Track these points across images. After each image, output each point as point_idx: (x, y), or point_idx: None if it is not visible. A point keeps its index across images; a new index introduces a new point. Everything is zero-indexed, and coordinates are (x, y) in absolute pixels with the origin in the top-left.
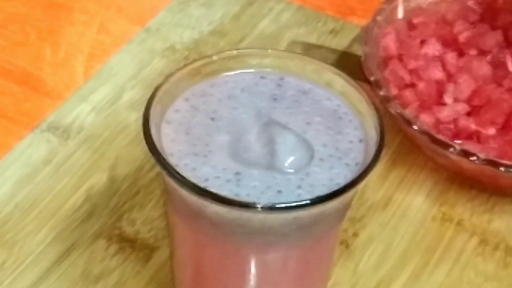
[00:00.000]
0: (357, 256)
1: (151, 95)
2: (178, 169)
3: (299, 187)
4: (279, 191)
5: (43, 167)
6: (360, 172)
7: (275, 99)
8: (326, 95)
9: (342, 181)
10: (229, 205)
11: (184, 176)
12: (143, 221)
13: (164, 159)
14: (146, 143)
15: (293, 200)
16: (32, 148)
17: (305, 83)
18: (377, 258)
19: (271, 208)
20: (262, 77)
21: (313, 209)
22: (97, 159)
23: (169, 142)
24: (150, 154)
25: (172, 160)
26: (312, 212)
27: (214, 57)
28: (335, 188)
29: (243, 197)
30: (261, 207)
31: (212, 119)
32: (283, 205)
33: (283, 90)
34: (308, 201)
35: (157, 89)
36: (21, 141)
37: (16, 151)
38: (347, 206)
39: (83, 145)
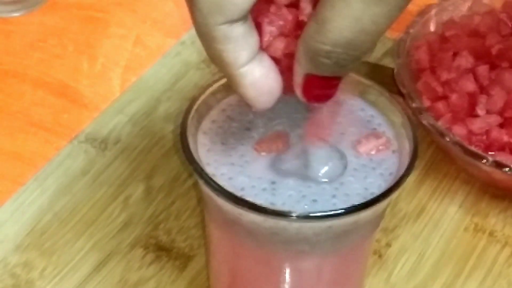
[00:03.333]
0: (390, 266)
1: (188, 106)
2: (215, 179)
3: (333, 196)
4: (314, 200)
5: (81, 178)
6: (394, 182)
7: (309, 110)
8: (360, 105)
9: (376, 191)
10: (265, 213)
11: (221, 185)
12: (179, 230)
13: (201, 168)
14: (184, 152)
15: (328, 209)
16: (70, 158)
17: (339, 93)
18: (410, 268)
19: (306, 217)
20: None
21: (348, 218)
22: (134, 170)
23: (206, 152)
24: (187, 164)
25: (209, 170)
26: (346, 221)
27: None
28: (370, 197)
29: (279, 206)
30: (296, 216)
31: (248, 129)
32: (318, 214)
33: None
34: (343, 210)
35: (194, 100)
36: (59, 151)
37: (54, 162)
38: (380, 215)
39: (120, 156)
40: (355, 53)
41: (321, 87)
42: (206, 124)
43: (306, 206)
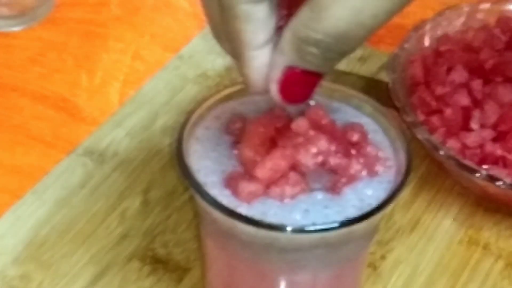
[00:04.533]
0: (385, 278)
1: (184, 121)
2: (206, 187)
3: (325, 207)
4: (306, 210)
5: (79, 190)
6: (388, 195)
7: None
8: (356, 114)
9: (373, 202)
10: (258, 226)
11: (216, 198)
12: (176, 243)
13: (196, 182)
14: (179, 166)
15: (321, 222)
16: (69, 171)
17: (334, 102)
18: (404, 280)
19: (300, 231)
20: None
21: (341, 231)
22: (131, 183)
23: (197, 158)
24: (183, 178)
25: (199, 177)
26: (340, 233)
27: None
28: (366, 209)
29: (270, 215)
30: (291, 230)
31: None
32: (312, 228)
33: None
34: (337, 224)
35: (190, 114)
36: (57, 164)
37: (53, 175)
38: (375, 228)
39: (118, 169)
40: (345, 47)
41: (301, 84)
42: (199, 130)
43: (297, 217)
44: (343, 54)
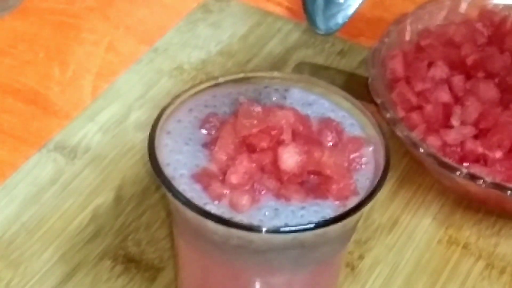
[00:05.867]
0: (363, 278)
1: (156, 117)
2: (174, 181)
3: (302, 208)
4: (276, 209)
5: (49, 187)
6: (365, 195)
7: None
8: (333, 108)
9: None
10: (230, 226)
11: (188, 197)
12: (149, 241)
13: (169, 181)
14: (151, 164)
15: (295, 223)
16: (39, 167)
17: (311, 95)
18: (383, 280)
19: (273, 231)
20: (266, 87)
21: (316, 231)
22: (104, 179)
23: (168, 152)
24: (155, 176)
25: (169, 171)
26: (315, 234)
27: (221, 79)
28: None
29: (241, 218)
30: (265, 230)
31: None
32: (285, 229)
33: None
34: (312, 225)
35: (163, 111)
36: (28, 160)
37: (23, 170)
38: (352, 229)
39: (90, 165)
40: None
41: None
42: (170, 124)
43: (266, 213)
44: None
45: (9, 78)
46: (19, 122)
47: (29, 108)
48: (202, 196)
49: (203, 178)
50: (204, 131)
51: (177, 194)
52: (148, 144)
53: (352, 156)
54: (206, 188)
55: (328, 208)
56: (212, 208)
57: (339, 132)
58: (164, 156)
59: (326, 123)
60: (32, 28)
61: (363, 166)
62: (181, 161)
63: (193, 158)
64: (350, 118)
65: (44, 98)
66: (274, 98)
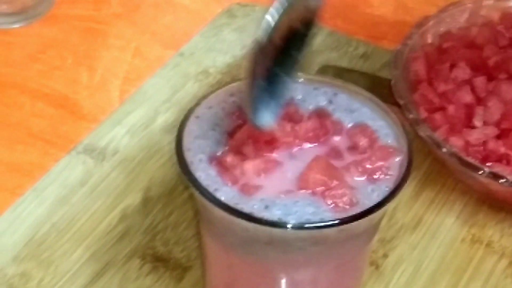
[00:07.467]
0: (387, 277)
1: (183, 118)
2: (192, 167)
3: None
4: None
5: (79, 188)
6: (388, 193)
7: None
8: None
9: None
10: (258, 223)
11: (216, 196)
12: (176, 241)
13: (196, 179)
14: (179, 163)
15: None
16: (69, 169)
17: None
18: (407, 279)
19: (300, 227)
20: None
21: (341, 228)
22: (132, 181)
23: (192, 138)
24: (182, 175)
25: (188, 156)
26: (340, 230)
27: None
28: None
29: (272, 216)
30: (291, 227)
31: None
32: (312, 225)
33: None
34: (338, 221)
35: (189, 112)
36: (57, 162)
37: (53, 173)
38: (376, 226)
39: (118, 167)
40: None
41: None
42: (201, 109)
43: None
44: None
45: (38, 83)
46: (48, 126)
47: (58, 112)
48: (216, 181)
49: (218, 163)
50: (232, 119)
51: (205, 193)
52: (176, 144)
53: (378, 164)
54: (220, 173)
55: None
56: (223, 192)
57: (372, 140)
58: (187, 140)
59: (362, 128)
60: (61, 34)
61: (388, 173)
62: (201, 146)
63: (215, 144)
64: (387, 128)
65: (72, 102)
66: (322, 101)
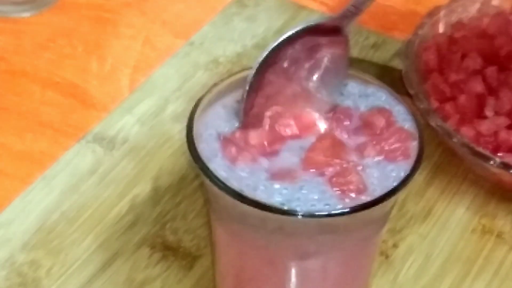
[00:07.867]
0: (397, 267)
1: (194, 106)
2: (200, 139)
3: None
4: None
5: (88, 177)
6: (399, 182)
7: None
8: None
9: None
10: (268, 211)
11: (225, 182)
12: (186, 230)
13: (206, 166)
14: (190, 151)
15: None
16: (78, 158)
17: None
18: (417, 269)
19: (311, 215)
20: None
21: (351, 216)
22: (141, 170)
23: (217, 120)
24: (193, 162)
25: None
26: (351, 218)
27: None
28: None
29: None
30: (301, 215)
31: None
32: (323, 213)
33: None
34: (348, 209)
35: (200, 100)
36: (67, 151)
37: (62, 161)
38: (386, 215)
39: (128, 156)
40: None
41: None
42: (229, 100)
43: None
44: None
45: (48, 72)
46: (58, 115)
47: (68, 101)
48: (219, 155)
49: (224, 140)
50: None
51: (214, 179)
52: (186, 132)
53: (395, 145)
54: (223, 149)
55: None
56: (234, 180)
57: (390, 122)
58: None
59: (380, 110)
60: (70, 23)
61: (404, 158)
62: (209, 123)
63: (224, 121)
64: (404, 113)
65: (82, 91)
66: None
